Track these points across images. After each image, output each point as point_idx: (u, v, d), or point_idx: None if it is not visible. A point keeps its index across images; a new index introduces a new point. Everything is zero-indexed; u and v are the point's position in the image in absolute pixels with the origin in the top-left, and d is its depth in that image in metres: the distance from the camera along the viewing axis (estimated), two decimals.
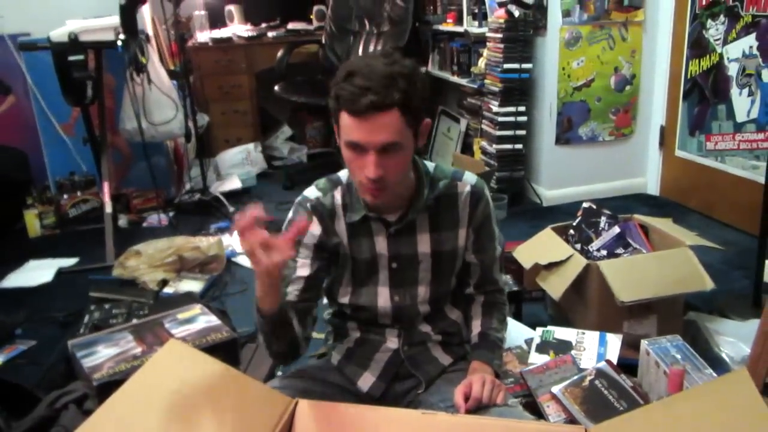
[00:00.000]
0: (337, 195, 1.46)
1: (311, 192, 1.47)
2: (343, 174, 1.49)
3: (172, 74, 3.92)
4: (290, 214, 1.48)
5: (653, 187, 3.84)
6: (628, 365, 1.88)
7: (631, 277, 2.07)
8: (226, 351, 1.89)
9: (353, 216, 1.44)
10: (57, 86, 3.34)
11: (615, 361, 1.85)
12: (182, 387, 1.21)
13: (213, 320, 2.03)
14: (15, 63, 3.81)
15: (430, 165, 1.49)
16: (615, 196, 3.78)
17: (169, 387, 1.21)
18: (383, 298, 1.48)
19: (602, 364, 1.79)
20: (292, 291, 1.44)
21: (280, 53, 4.39)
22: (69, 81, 3.29)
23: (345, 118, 1.26)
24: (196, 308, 2.12)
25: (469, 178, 1.50)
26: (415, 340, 1.54)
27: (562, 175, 3.76)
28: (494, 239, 1.56)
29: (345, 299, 1.51)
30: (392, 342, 1.53)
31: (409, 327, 1.54)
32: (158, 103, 3.63)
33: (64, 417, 1.76)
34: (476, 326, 1.58)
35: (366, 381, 1.53)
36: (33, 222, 3.65)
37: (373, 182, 1.28)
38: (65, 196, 3.74)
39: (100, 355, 1.84)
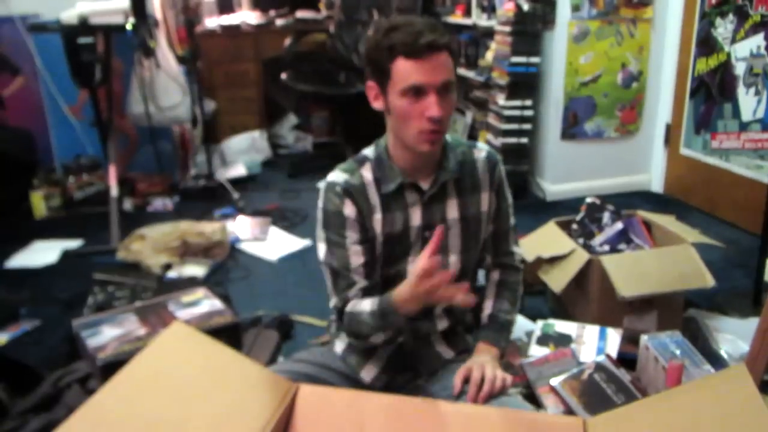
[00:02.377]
0: (366, 172, 1.45)
1: (336, 176, 1.46)
2: (367, 151, 1.49)
3: (179, 60, 3.93)
4: (320, 203, 1.46)
5: (657, 185, 3.84)
6: (627, 359, 1.89)
7: (633, 272, 2.08)
8: (228, 335, 1.91)
9: (389, 185, 1.43)
10: (66, 68, 3.34)
11: (614, 356, 1.86)
12: (185, 369, 1.23)
13: (217, 304, 2.05)
14: (24, 44, 3.80)
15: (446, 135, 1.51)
16: (619, 192, 3.78)
17: (172, 368, 1.22)
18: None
19: (602, 358, 1.80)
20: (359, 280, 1.44)
21: (287, 41, 4.39)
22: (78, 63, 3.29)
23: (402, 65, 1.29)
24: (200, 292, 2.14)
25: (482, 145, 1.55)
26: (419, 334, 1.54)
27: (566, 170, 3.77)
28: (510, 205, 1.59)
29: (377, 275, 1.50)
30: None
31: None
32: (165, 88, 3.64)
33: (68, 396, 1.78)
34: (487, 307, 1.59)
35: (369, 372, 1.54)
36: (39, 203, 3.67)
37: (434, 124, 1.31)
38: (71, 179, 3.76)
39: (105, 336, 1.86)
